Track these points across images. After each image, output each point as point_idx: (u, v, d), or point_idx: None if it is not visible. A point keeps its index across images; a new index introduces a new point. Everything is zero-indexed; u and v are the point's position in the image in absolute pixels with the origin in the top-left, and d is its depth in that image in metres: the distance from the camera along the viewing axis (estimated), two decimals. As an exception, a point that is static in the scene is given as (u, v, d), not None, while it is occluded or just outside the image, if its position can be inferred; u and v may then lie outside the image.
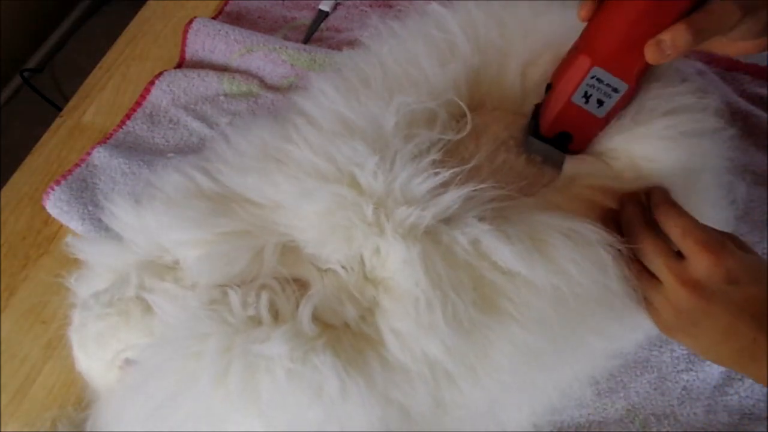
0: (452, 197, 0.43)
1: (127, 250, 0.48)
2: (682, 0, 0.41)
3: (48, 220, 0.66)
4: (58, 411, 0.55)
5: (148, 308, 0.45)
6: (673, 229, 0.44)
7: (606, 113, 0.48)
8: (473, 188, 0.44)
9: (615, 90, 0.46)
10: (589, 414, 0.55)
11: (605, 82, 0.46)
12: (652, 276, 0.45)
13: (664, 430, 0.54)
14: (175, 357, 0.41)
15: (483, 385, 0.43)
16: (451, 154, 0.49)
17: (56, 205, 0.64)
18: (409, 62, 0.51)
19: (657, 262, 0.44)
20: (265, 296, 0.42)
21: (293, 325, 0.40)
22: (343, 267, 0.44)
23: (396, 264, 0.42)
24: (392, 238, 0.42)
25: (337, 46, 0.77)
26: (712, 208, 0.51)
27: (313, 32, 0.80)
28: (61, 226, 0.66)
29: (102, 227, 0.63)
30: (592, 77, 0.46)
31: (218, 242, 0.44)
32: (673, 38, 0.41)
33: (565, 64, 0.48)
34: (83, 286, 0.51)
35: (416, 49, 0.51)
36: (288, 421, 0.39)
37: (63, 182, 0.66)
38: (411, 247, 0.41)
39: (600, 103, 0.47)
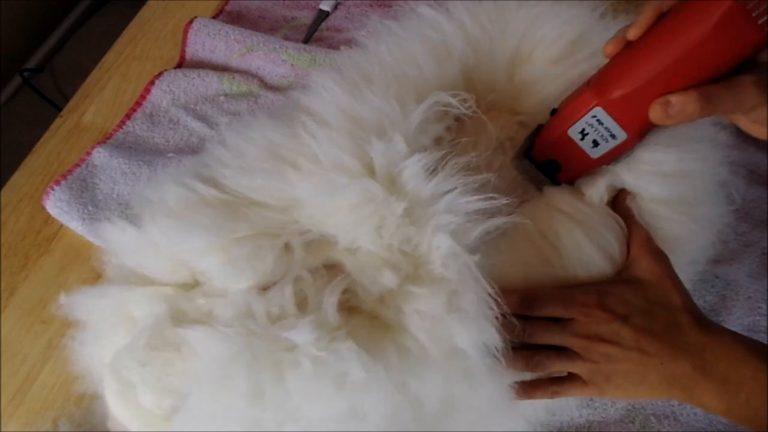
0: (496, 223, 0.44)
1: (130, 291, 0.45)
2: (704, 68, 0.39)
3: (48, 220, 0.66)
4: (58, 411, 0.55)
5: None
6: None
7: (599, 156, 0.47)
8: (505, 220, 0.45)
9: (613, 136, 0.45)
10: (589, 414, 0.55)
11: (605, 126, 0.44)
12: (560, 356, 0.46)
13: (664, 430, 0.54)
14: (213, 391, 0.40)
15: (496, 387, 0.44)
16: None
17: (56, 205, 0.64)
18: (408, 61, 0.51)
19: (563, 334, 0.45)
20: (288, 290, 0.41)
21: (318, 315, 0.40)
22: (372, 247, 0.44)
23: (436, 254, 0.42)
24: (432, 232, 0.42)
25: (338, 46, 0.76)
26: (711, 207, 0.52)
27: (314, 32, 0.80)
28: (61, 226, 0.66)
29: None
30: (593, 117, 0.44)
31: (238, 246, 0.43)
32: (683, 103, 0.39)
33: (574, 94, 0.47)
34: (93, 349, 0.47)
35: (414, 48, 0.51)
36: (316, 419, 0.39)
37: (63, 182, 0.66)
38: (457, 242, 0.42)
39: (595, 144, 0.46)
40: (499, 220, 0.44)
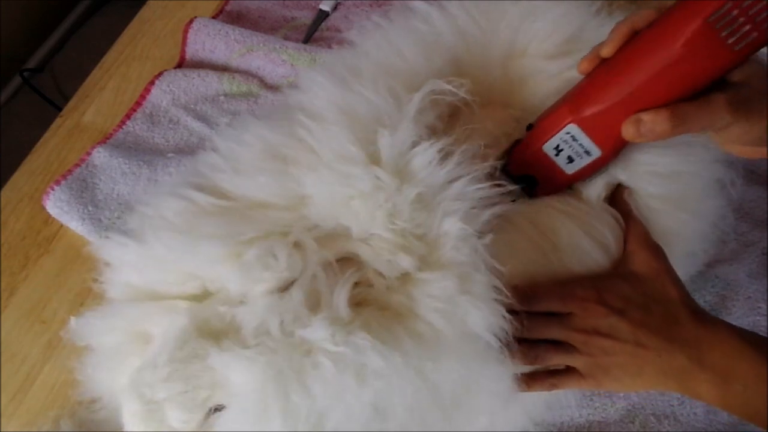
0: (499, 210, 0.44)
1: (141, 308, 0.44)
2: (675, 87, 0.39)
3: (48, 220, 0.66)
4: (58, 410, 0.55)
5: (216, 338, 0.40)
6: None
7: (574, 172, 0.47)
8: (510, 206, 0.46)
9: (587, 152, 0.45)
10: (589, 414, 0.55)
11: (579, 142, 0.45)
12: (558, 349, 0.46)
13: (664, 430, 0.54)
14: (248, 414, 0.39)
15: (499, 378, 0.44)
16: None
17: (56, 205, 0.64)
18: (396, 53, 0.51)
19: (561, 328, 0.46)
20: (298, 294, 0.41)
21: (330, 311, 0.40)
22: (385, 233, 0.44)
23: (446, 238, 0.43)
24: (441, 217, 0.43)
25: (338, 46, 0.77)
26: (707, 200, 0.52)
27: (314, 32, 0.80)
28: (61, 226, 0.66)
29: (102, 227, 0.63)
30: (567, 133, 0.45)
31: (248, 249, 0.42)
32: (654, 122, 0.39)
33: (550, 110, 0.47)
34: (107, 372, 0.46)
35: (402, 41, 0.51)
36: (341, 419, 0.39)
37: (63, 182, 0.66)
38: (468, 226, 0.43)
39: (570, 160, 0.46)
40: (504, 207, 0.45)
